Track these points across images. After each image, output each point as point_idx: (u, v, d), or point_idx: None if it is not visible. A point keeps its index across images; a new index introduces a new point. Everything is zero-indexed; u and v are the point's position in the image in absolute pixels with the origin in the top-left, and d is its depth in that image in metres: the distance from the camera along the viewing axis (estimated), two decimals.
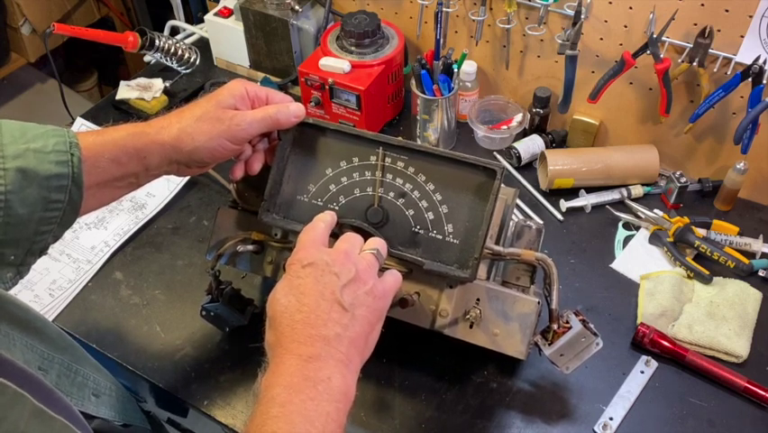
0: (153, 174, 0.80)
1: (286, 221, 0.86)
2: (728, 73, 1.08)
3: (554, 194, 1.22)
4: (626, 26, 1.13)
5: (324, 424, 0.60)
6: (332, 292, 0.66)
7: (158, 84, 1.43)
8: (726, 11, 1.03)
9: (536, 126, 1.30)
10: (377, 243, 0.75)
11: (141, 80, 1.45)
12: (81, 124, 1.37)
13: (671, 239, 1.11)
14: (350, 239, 0.73)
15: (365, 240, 0.75)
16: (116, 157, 0.75)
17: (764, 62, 1.02)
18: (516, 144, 1.27)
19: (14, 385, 0.50)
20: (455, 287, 0.84)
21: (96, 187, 0.75)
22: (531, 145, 1.27)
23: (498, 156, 1.30)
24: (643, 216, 1.17)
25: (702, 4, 1.04)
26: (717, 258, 1.08)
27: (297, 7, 1.33)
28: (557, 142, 1.30)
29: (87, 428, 0.59)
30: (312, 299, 0.65)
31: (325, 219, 0.76)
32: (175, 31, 1.63)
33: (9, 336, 0.66)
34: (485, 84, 1.36)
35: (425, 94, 1.23)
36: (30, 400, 0.51)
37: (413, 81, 1.25)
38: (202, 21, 1.53)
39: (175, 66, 1.48)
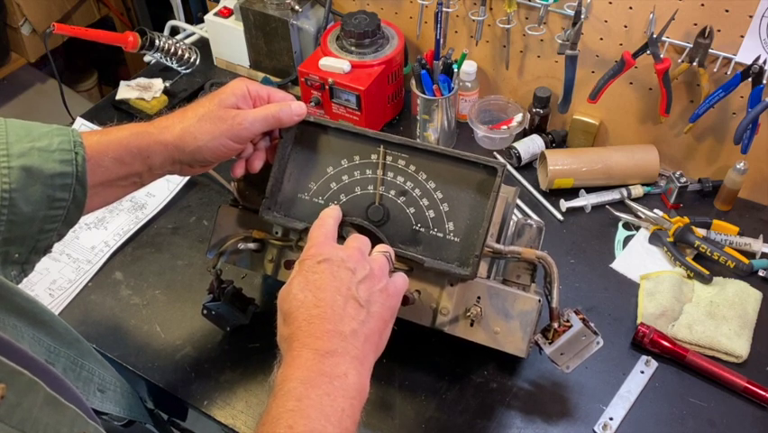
0: (157, 174, 0.80)
1: (287, 219, 0.86)
2: (728, 73, 1.08)
3: (554, 194, 1.22)
4: (626, 26, 1.13)
5: (339, 420, 0.60)
6: (347, 288, 0.66)
7: (158, 84, 1.43)
8: (727, 11, 1.03)
9: (536, 126, 1.31)
10: (386, 247, 0.76)
11: (141, 80, 1.45)
12: (81, 124, 1.37)
13: (671, 239, 1.11)
14: (360, 239, 0.74)
15: (369, 239, 0.75)
16: (120, 156, 0.76)
17: (764, 62, 1.03)
18: (516, 144, 1.27)
19: (29, 373, 0.50)
20: (456, 285, 0.84)
21: (99, 186, 0.75)
22: (531, 145, 1.27)
23: (498, 156, 1.30)
24: (643, 216, 1.17)
25: (702, 4, 1.04)
26: (717, 258, 1.08)
27: (297, 7, 1.33)
28: (557, 142, 1.30)
29: (96, 419, 0.59)
30: (328, 294, 0.66)
31: (333, 215, 0.77)
32: (175, 31, 1.64)
33: (17, 329, 0.66)
34: (485, 84, 1.36)
35: (425, 94, 1.24)
36: (43, 388, 0.51)
37: (413, 81, 1.25)
38: (202, 21, 1.54)
39: (175, 66, 1.48)
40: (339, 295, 0.66)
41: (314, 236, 0.73)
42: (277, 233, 0.90)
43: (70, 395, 0.57)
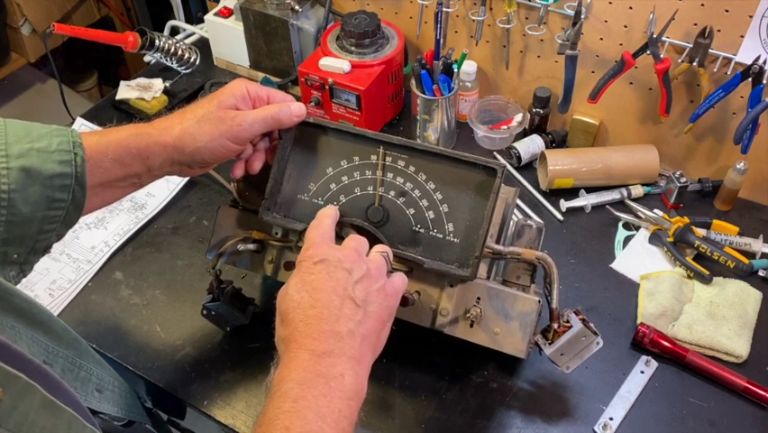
0: (156, 174, 0.80)
1: (286, 220, 0.86)
2: (728, 73, 1.08)
3: (554, 194, 1.22)
4: (626, 26, 1.13)
5: (336, 421, 0.60)
6: (344, 288, 0.66)
7: (158, 84, 1.43)
8: (727, 11, 1.03)
9: (536, 126, 1.30)
10: (384, 247, 0.76)
11: (141, 80, 1.45)
12: (81, 124, 1.37)
13: (671, 239, 1.11)
14: (357, 239, 0.74)
15: (367, 240, 0.75)
16: (119, 157, 0.76)
17: (764, 62, 1.03)
18: (516, 144, 1.27)
19: (25, 376, 0.50)
20: (456, 286, 0.84)
21: (99, 186, 0.76)
22: (531, 145, 1.27)
23: (498, 156, 1.30)
24: (643, 216, 1.17)
25: (702, 4, 1.04)
26: (717, 258, 1.08)
27: (297, 7, 1.33)
28: (557, 142, 1.30)
29: (94, 421, 0.59)
30: (325, 294, 0.66)
31: (330, 215, 0.77)
32: (175, 31, 1.64)
33: (15, 329, 0.66)
34: (485, 84, 1.36)
35: (425, 94, 1.24)
36: (40, 391, 0.51)
37: (413, 81, 1.25)
38: (202, 21, 1.53)
39: (175, 66, 1.48)
40: (335, 295, 0.66)
41: (310, 237, 0.73)
42: (276, 233, 0.90)
43: (68, 397, 0.57)
